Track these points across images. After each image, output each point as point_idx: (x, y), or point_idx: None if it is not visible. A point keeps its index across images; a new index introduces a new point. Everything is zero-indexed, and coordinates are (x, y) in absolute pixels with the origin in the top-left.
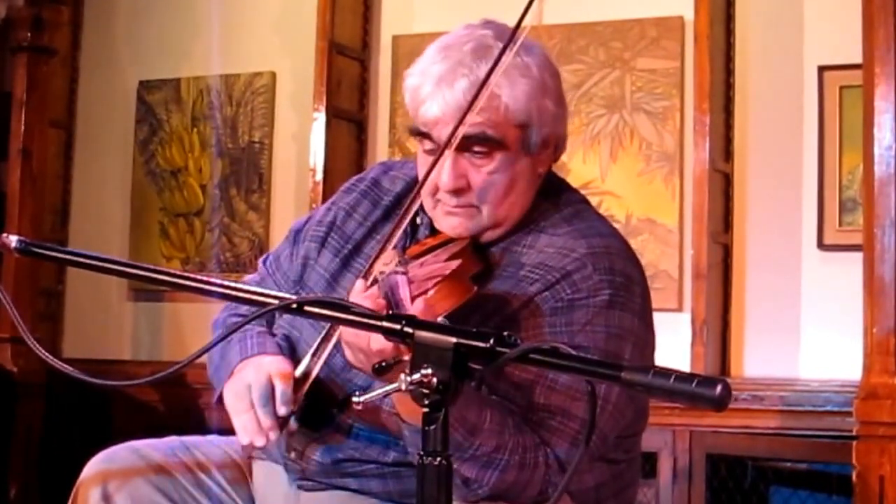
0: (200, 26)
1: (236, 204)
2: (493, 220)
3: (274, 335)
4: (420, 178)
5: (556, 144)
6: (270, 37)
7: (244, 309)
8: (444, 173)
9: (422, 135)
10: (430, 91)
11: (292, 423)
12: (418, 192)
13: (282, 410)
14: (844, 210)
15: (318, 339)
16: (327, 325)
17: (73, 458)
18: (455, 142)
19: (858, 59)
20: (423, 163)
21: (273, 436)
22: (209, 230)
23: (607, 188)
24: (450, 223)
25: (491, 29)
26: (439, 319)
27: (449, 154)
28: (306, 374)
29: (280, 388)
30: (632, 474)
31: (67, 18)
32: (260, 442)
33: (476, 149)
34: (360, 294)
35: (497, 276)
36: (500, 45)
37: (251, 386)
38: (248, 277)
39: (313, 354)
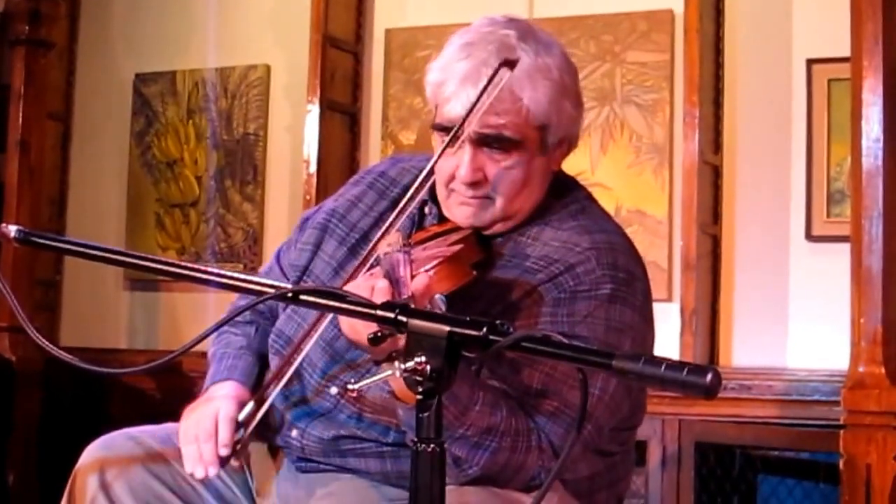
0: (196, 19)
1: (231, 195)
2: (505, 212)
3: (259, 350)
4: (438, 167)
5: (569, 143)
6: (265, 30)
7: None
8: (463, 166)
9: (445, 129)
10: (454, 90)
11: (233, 462)
12: (426, 178)
13: (222, 451)
14: (832, 201)
15: (267, 381)
16: (284, 359)
17: (70, 445)
18: (467, 132)
19: (846, 53)
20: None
21: (212, 471)
22: (204, 221)
23: (597, 180)
24: (463, 213)
25: (514, 28)
26: (437, 297)
27: (468, 147)
28: (249, 418)
29: (221, 431)
30: (625, 466)
31: (65, 12)
32: (200, 474)
33: (495, 145)
34: (362, 277)
35: (501, 265)
36: (523, 46)
37: (199, 421)
38: (261, 269)
39: (257, 401)
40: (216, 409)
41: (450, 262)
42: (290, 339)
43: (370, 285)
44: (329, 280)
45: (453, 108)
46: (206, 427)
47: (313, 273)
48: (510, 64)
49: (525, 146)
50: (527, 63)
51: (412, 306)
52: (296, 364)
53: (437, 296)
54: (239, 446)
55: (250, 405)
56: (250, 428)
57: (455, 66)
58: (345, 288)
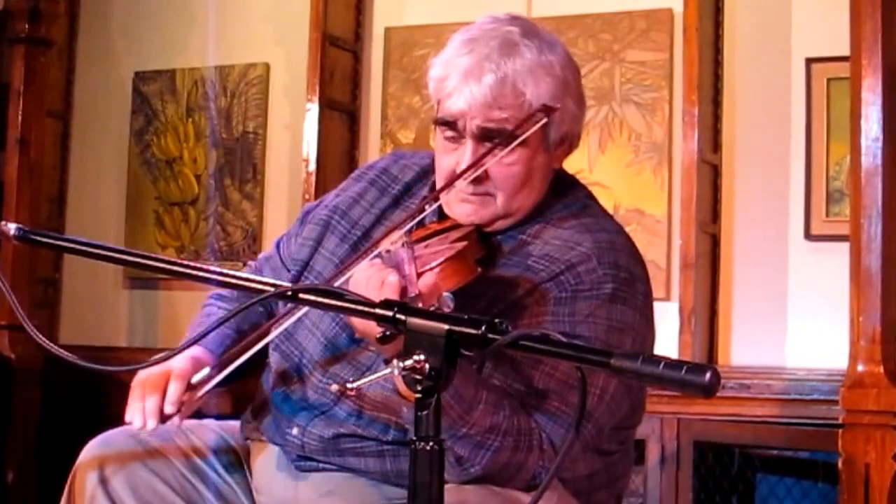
0: (195, 18)
1: (230, 193)
2: (507, 209)
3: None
4: (438, 163)
5: (571, 141)
6: (264, 28)
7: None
8: (464, 162)
9: (446, 124)
10: (457, 84)
11: (176, 420)
12: (443, 187)
13: (168, 408)
14: (831, 201)
15: (231, 353)
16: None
17: (69, 443)
18: (468, 127)
19: (846, 52)
20: (441, 148)
21: (151, 424)
22: (204, 219)
23: (596, 179)
24: (464, 210)
25: (517, 26)
26: (445, 295)
27: (469, 143)
28: (202, 382)
29: (171, 387)
30: (624, 465)
31: (64, 10)
32: (137, 423)
33: (497, 140)
34: (368, 267)
35: (503, 264)
36: (526, 43)
37: (150, 374)
38: (261, 255)
39: (218, 366)
40: (170, 365)
41: (455, 259)
42: (288, 332)
43: (381, 279)
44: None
45: (455, 104)
46: (154, 381)
47: (314, 269)
48: (549, 111)
49: (527, 143)
50: (529, 59)
51: (420, 304)
52: (267, 340)
53: (445, 294)
54: (184, 407)
55: (206, 370)
56: (200, 392)
57: (457, 62)
58: (353, 278)
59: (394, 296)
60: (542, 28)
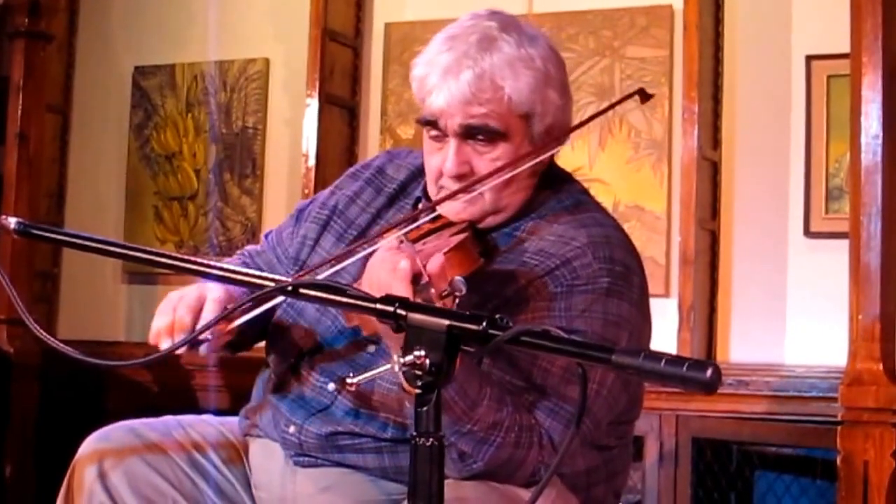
0: (195, 13)
1: (230, 188)
2: (495, 205)
3: None
4: (426, 164)
5: (558, 134)
6: (264, 24)
7: None
8: (449, 160)
9: (429, 124)
10: (436, 82)
11: (203, 349)
12: (440, 200)
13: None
14: (831, 198)
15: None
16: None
17: (67, 438)
18: (451, 125)
19: (846, 49)
20: (428, 148)
21: (177, 338)
22: (203, 214)
23: (595, 175)
24: (453, 208)
25: (496, 20)
26: (457, 279)
27: (453, 141)
28: (238, 312)
29: (207, 310)
30: (623, 461)
31: (64, 4)
32: (165, 344)
33: (480, 137)
34: (387, 252)
35: (498, 260)
36: (505, 37)
37: (183, 296)
38: (249, 247)
39: (254, 301)
40: (204, 289)
41: (458, 248)
42: (285, 331)
43: (393, 264)
44: (328, 275)
45: (435, 101)
46: (188, 302)
47: (309, 267)
48: (644, 96)
49: (510, 137)
50: (508, 52)
51: (432, 290)
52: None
53: (457, 278)
54: (214, 337)
55: (243, 300)
56: (235, 323)
57: (437, 60)
58: (367, 267)
59: (406, 281)
60: (525, 23)
